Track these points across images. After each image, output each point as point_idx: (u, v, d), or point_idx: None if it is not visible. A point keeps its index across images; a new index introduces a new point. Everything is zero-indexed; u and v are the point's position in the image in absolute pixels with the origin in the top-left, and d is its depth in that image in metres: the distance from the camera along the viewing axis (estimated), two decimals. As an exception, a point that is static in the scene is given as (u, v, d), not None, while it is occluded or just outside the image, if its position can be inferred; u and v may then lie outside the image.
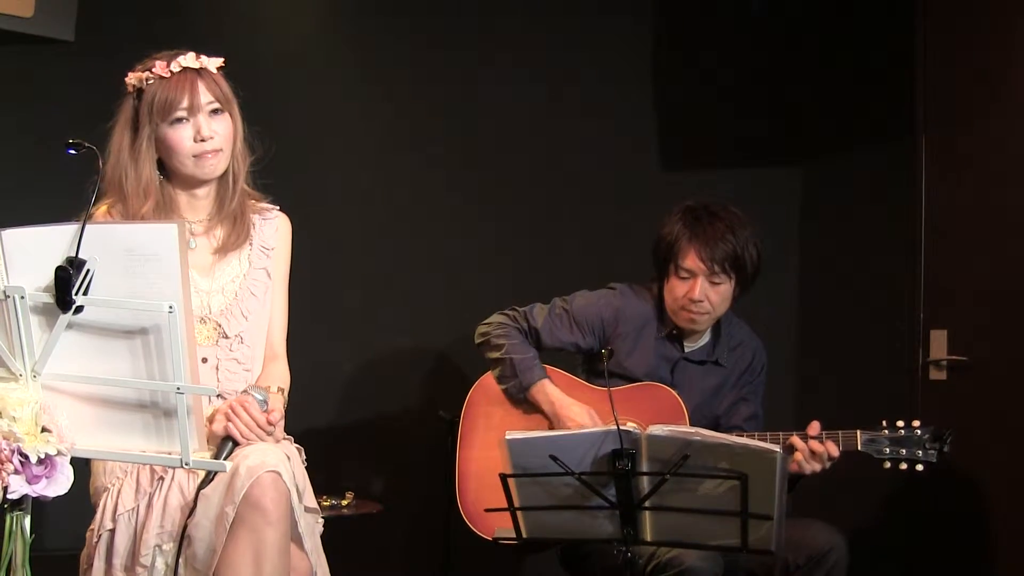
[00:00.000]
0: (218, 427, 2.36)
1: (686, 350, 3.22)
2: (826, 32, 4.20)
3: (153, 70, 2.47)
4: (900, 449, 2.90)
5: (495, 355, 3.20)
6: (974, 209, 3.58)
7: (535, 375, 3.15)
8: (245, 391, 2.46)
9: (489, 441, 3.11)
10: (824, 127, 4.19)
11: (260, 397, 2.43)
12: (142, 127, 2.48)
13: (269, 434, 2.39)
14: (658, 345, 3.20)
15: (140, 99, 2.49)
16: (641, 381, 3.16)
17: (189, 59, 2.48)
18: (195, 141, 2.47)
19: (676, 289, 3.12)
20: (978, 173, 3.58)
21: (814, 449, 2.87)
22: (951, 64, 3.68)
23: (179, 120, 2.46)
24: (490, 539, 2.98)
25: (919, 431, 2.90)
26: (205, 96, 2.48)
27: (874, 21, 4.06)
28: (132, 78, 2.51)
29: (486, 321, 3.28)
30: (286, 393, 2.63)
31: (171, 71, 2.47)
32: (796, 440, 2.89)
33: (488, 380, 3.24)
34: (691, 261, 3.08)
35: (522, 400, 3.18)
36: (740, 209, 3.15)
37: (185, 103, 2.45)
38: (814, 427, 2.92)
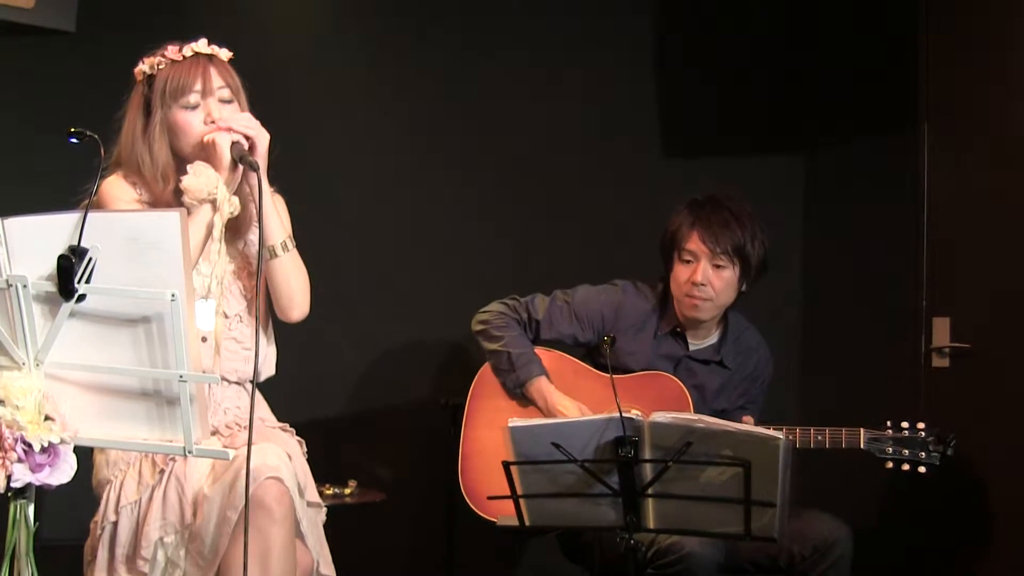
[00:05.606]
0: (223, 152, 2.40)
1: (691, 348, 3.20)
2: (828, 23, 4.18)
3: (165, 55, 2.49)
4: (903, 450, 2.90)
5: (493, 347, 3.19)
6: (975, 197, 3.58)
7: (532, 371, 3.14)
8: None
9: (492, 422, 3.11)
10: (826, 118, 4.17)
11: None
12: (154, 111, 2.49)
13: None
14: (659, 343, 3.18)
15: (151, 85, 2.50)
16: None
17: (201, 45, 2.50)
18: (205, 124, 2.47)
19: (680, 274, 3.12)
20: (979, 162, 3.57)
21: None
22: (952, 55, 3.67)
23: (191, 104, 2.47)
24: (491, 519, 2.98)
25: (923, 432, 2.90)
26: (217, 81, 2.49)
27: (876, 12, 4.05)
28: (143, 65, 2.52)
29: (485, 309, 3.27)
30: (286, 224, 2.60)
31: (183, 56, 2.48)
32: None
33: None
34: (694, 244, 3.09)
35: (518, 393, 3.18)
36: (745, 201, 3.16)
37: (198, 86, 2.47)
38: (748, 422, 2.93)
